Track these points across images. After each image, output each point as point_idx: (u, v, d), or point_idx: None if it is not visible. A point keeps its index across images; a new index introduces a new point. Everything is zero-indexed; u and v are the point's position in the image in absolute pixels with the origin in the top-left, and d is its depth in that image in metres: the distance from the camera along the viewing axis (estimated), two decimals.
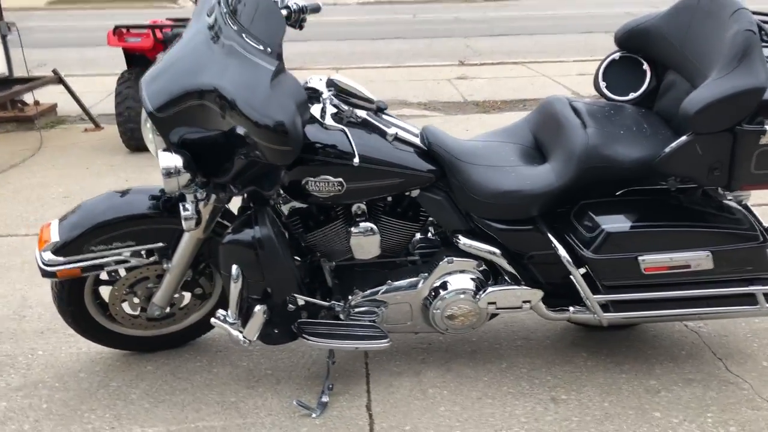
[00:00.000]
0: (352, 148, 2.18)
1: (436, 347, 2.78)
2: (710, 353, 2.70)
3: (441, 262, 2.45)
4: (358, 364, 2.68)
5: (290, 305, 2.40)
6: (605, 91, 2.65)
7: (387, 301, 2.48)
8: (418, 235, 2.57)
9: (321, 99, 2.23)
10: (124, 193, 2.54)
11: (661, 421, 2.34)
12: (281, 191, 2.33)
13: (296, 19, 2.48)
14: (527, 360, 2.69)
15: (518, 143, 2.57)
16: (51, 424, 2.36)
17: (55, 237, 2.37)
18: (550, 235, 2.37)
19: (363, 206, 2.40)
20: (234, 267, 2.27)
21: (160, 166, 2.08)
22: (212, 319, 2.37)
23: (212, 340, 2.83)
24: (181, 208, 2.24)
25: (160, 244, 2.44)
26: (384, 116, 2.35)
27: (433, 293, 2.46)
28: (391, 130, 2.28)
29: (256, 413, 2.41)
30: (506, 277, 2.47)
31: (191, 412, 2.42)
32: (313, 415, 2.38)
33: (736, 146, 2.17)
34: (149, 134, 2.24)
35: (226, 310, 2.37)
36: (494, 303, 2.45)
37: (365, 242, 2.40)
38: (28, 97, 6.42)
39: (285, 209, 2.44)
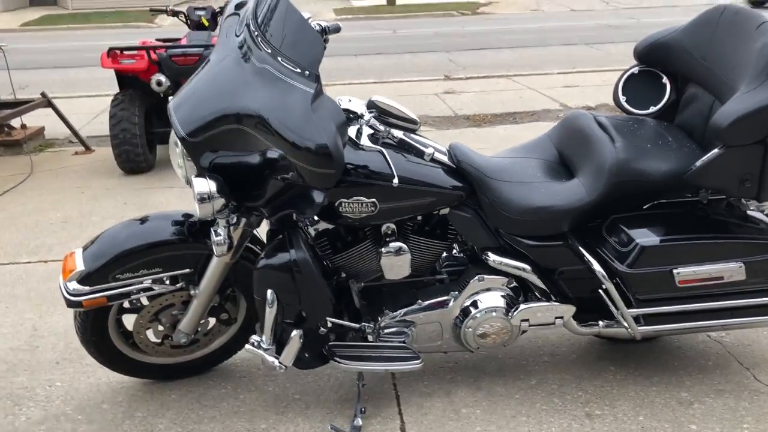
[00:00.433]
0: (391, 169, 2.16)
1: (463, 365, 2.76)
2: (737, 363, 2.71)
3: (472, 281, 2.43)
4: (386, 385, 2.65)
5: (322, 328, 2.37)
6: (625, 104, 2.67)
7: (417, 321, 2.45)
8: (444, 253, 2.55)
9: (358, 120, 2.22)
10: (143, 220, 2.50)
11: None
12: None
13: None
14: (556, 375, 2.68)
15: (543, 158, 2.57)
16: None
17: (80, 266, 2.31)
18: (583, 250, 2.36)
19: (392, 226, 2.38)
20: (269, 292, 2.23)
21: (194, 191, 2.04)
22: (247, 346, 2.33)
23: (234, 366, 2.78)
24: (212, 233, 2.20)
25: (187, 270, 2.40)
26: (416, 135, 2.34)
27: (463, 312, 2.45)
28: (429, 150, 2.27)
29: None
30: (536, 294, 2.47)
31: None
32: None
33: (767, 157, 2.19)
34: (178, 159, 2.20)
35: (259, 335, 2.33)
36: (527, 320, 2.44)
37: (396, 262, 2.37)
38: (14, 121, 6.31)
39: (311, 231, 2.41)
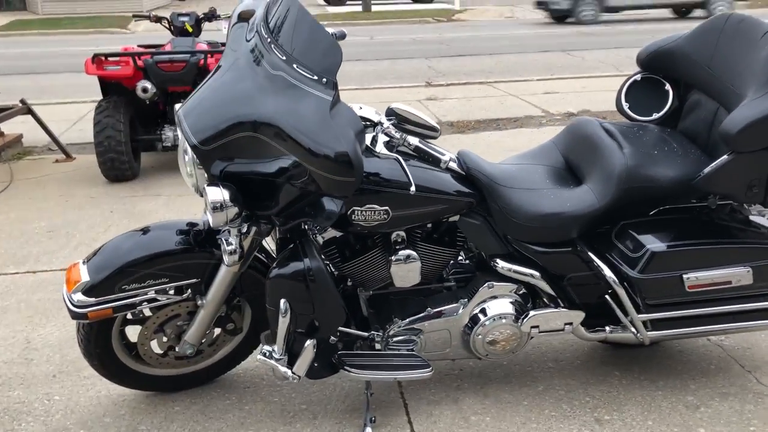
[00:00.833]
0: (408, 177, 2.15)
1: (469, 373, 2.75)
2: (738, 366, 2.74)
3: (481, 288, 2.43)
4: (393, 394, 2.63)
5: (332, 337, 2.34)
6: (628, 111, 2.69)
7: (425, 329, 2.44)
8: (451, 261, 2.54)
9: (374, 128, 2.20)
10: (144, 231, 2.45)
11: None
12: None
13: None
14: (562, 381, 2.68)
15: (550, 165, 2.58)
16: None
17: (85, 277, 2.26)
18: (592, 256, 2.37)
19: (402, 233, 2.37)
20: (282, 301, 2.20)
21: (207, 200, 2.01)
22: (258, 356, 2.29)
23: (237, 376, 2.74)
24: (222, 242, 2.18)
25: (194, 280, 2.36)
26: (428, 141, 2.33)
27: (473, 319, 2.44)
28: (445, 157, 2.27)
29: None
30: (545, 300, 2.47)
31: None
32: None
33: None
34: (188, 168, 2.16)
35: (268, 345, 2.30)
36: (537, 326, 2.44)
37: (406, 270, 2.36)
38: None
39: (319, 239, 2.39)
